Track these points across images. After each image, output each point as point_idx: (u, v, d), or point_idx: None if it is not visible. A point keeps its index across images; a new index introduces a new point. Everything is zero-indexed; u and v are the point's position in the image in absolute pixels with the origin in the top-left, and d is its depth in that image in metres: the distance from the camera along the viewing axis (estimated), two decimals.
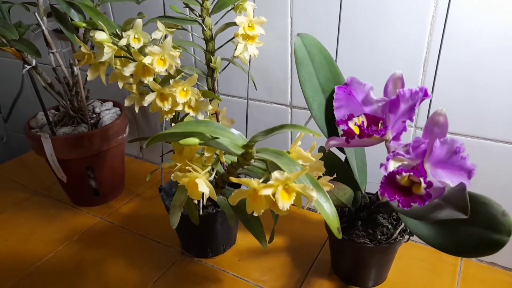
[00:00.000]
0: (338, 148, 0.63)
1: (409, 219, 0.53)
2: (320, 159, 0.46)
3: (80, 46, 0.53)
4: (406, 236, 0.61)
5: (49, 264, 0.74)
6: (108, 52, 0.50)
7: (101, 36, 0.49)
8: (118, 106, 0.90)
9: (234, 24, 0.59)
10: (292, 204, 0.39)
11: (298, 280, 0.68)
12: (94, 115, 0.84)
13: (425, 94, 0.41)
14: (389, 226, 0.63)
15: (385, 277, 0.67)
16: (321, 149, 0.59)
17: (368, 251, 0.61)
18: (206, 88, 0.65)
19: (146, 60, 0.51)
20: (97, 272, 0.71)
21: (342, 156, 0.62)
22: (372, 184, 0.64)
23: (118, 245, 0.78)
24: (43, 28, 0.75)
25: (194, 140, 0.40)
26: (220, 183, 0.57)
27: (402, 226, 0.62)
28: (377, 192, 0.61)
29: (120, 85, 0.58)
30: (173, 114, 0.57)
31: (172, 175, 0.43)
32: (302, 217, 0.83)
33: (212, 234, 0.71)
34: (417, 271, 0.69)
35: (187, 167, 0.45)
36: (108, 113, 0.84)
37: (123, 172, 0.93)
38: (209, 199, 0.73)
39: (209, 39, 0.64)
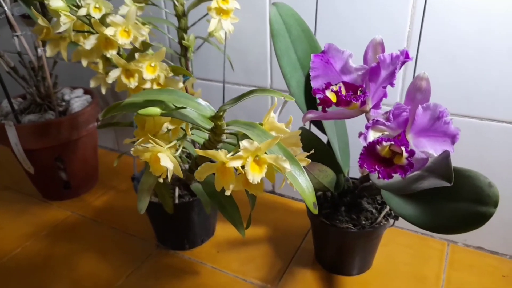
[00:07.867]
0: (319, 129, 0.60)
1: (393, 200, 0.50)
2: (300, 141, 0.43)
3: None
4: (391, 220, 0.59)
5: (15, 260, 0.69)
6: (65, 22, 0.46)
7: (56, 3, 0.45)
8: (90, 93, 0.85)
9: None
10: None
11: (280, 270, 0.65)
12: (64, 103, 0.80)
13: (406, 57, 0.38)
14: (374, 211, 0.60)
15: (370, 264, 0.64)
16: (303, 131, 0.56)
17: (351, 237, 0.58)
18: None
19: (108, 31, 0.47)
20: (67, 267, 0.67)
21: (324, 139, 0.59)
22: (355, 168, 0.61)
23: (90, 239, 0.73)
24: (5, 9, 0.71)
25: (155, 110, 0.36)
26: (194, 168, 0.54)
27: (387, 209, 0.59)
28: (361, 177, 0.59)
29: (84, 63, 0.54)
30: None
31: (132, 149, 0.39)
32: (284, 206, 0.80)
33: (189, 224, 0.68)
34: (403, 257, 0.66)
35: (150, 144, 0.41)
36: (78, 101, 0.80)
37: (96, 163, 0.88)
38: (186, 187, 0.70)
39: (181, 15, 0.60)
